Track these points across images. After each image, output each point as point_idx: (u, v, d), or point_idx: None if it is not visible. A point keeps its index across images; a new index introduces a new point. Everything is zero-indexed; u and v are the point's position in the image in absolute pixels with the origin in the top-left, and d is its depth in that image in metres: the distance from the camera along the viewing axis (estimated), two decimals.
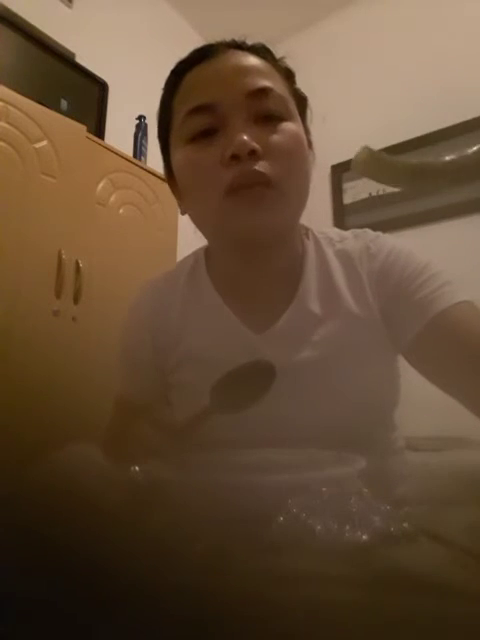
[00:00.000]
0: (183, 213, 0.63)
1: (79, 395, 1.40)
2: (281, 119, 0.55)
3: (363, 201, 2.37)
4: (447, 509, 0.34)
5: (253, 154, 0.52)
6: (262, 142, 0.53)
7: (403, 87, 2.32)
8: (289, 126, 0.56)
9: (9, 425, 1.25)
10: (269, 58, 0.59)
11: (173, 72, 0.60)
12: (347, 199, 2.42)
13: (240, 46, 0.59)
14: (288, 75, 0.62)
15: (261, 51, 0.59)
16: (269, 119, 0.55)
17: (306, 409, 0.58)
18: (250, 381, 0.51)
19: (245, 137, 0.51)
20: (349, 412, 0.58)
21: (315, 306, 0.61)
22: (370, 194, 2.35)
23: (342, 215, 2.41)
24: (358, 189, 2.39)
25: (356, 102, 2.46)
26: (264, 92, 0.55)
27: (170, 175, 0.63)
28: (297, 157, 0.56)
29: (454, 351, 0.55)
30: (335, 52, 2.60)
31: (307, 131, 0.62)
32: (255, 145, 0.52)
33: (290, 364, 0.58)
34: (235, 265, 0.63)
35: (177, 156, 0.58)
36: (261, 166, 0.52)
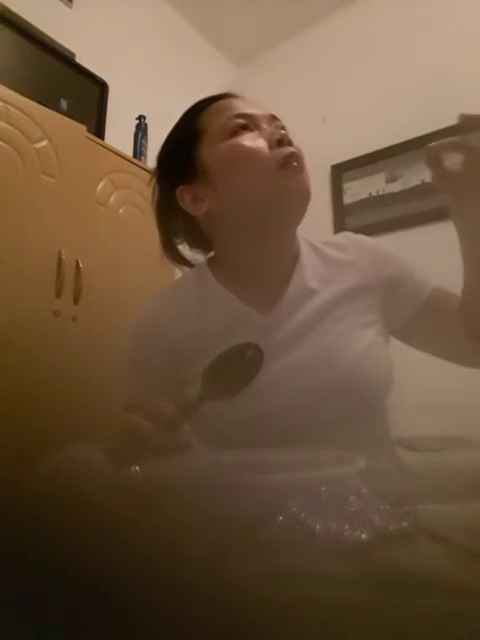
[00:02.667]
0: (202, 212, 0.72)
1: (79, 395, 1.41)
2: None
3: (363, 201, 2.37)
4: (446, 508, 0.34)
5: (291, 143, 0.68)
6: None
7: (403, 87, 2.32)
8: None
9: (9, 425, 1.25)
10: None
11: (195, 106, 0.75)
12: (347, 199, 2.42)
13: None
14: None
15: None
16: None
17: (310, 375, 0.66)
18: (239, 366, 0.53)
19: (284, 130, 0.69)
20: (348, 365, 0.66)
21: (312, 282, 0.72)
22: (370, 194, 2.35)
23: (342, 215, 2.41)
24: (358, 189, 2.39)
25: (356, 102, 2.46)
26: (275, 117, 0.72)
27: (187, 178, 0.72)
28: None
29: (442, 324, 0.72)
30: (335, 52, 2.60)
31: None
32: (291, 138, 0.69)
33: (294, 334, 0.69)
34: (252, 246, 0.71)
35: (221, 148, 0.69)
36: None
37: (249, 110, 0.70)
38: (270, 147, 0.67)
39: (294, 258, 0.74)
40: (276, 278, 0.72)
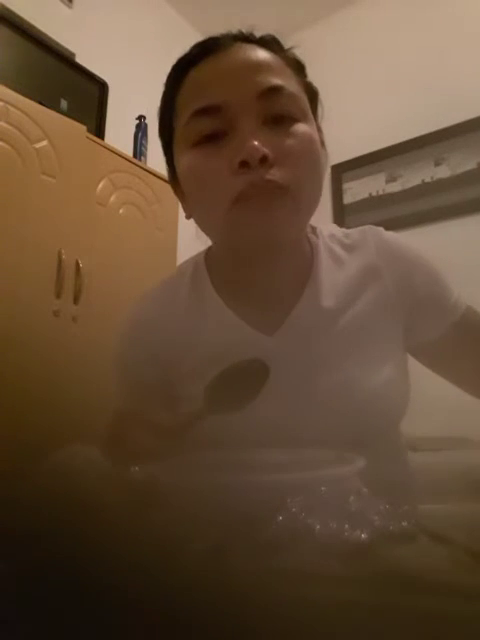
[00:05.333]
0: (188, 217, 0.61)
1: (79, 395, 1.41)
2: (293, 120, 0.52)
3: (363, 201, 2.37)
4: (446, 508, 0.34)
5: (264, 161, 0.48)
6: (274, 146, 0.50)
7: (403, 87, 2.32)
8: (302, 128, 0.52)
9: (9, 425, 1.25)
10: (278, 50, 0.55)
11: (175, 67, 0.57)
12: (347, 199, 2.42)
13: (248, 38, 0.55)
14: (299, 68, 0.57)
15: (270, 43, 0.55)
16: (281, 120, 0.52)
17: (319, 406, 0.58)
18: (244, 381, 0.50)
19: (255, 143, 0.48)
20: (363, 406, 0.58)
21: (327, 301, 0.60)
22: (370, 194, 2.35)
23: (342, 215, 2.41)
24: (358, 189, 2.39)
25: (356, 102, 2.46)
26: (276, 91, 0.51)
27: (173, 177, 0.61)
28: (311, 161, 0.53)
29: (470, 350, 0.62)
30: (335, 52, 2.60)
31: (319, 129, 0.59)
32: (266, 151, 0.48)
33: (305, 361, 0.59)
34: (241, 270, 0.61)
35: (182, 161, 0.55)
36: (272, 174, 0.49)
37: (225, 93, 0.51)
38: (232, 171, 0.50)
39: (306, 268, 0.61)
40: (281, 294, 0.61)
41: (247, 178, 0.49)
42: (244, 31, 0.56)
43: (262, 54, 0.53)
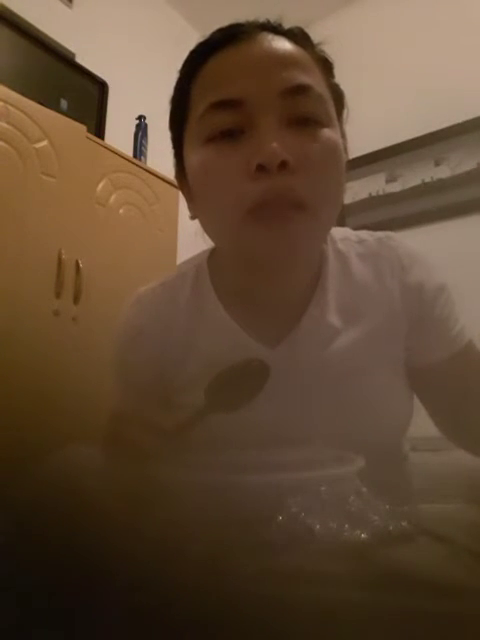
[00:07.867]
0: (193, 218, 0.57)
1: (79, 395, 1.40)
2: (319, 124, 0.48)
3: (363, 201, 2.36)
4: (446, 508, 0.34)
5: (284, 167, 0.44)
6: (295, 152, 0.45)
7: (403, 87, 2.32)
8: (327, 134, 0.49)
9: (9, 425, 1.25)
10: (307, 46, 0.52)
11: (193, 54, 0.52)
12: (347, 199, 2.42)
13: (275, 29, 0.52)
14: (326, 67, 0.55)
15: (299, 37, 0.52)
16: (305, 123, 0.48)
17: (319, 424, 0.56)
18: (244, 380, 0.50)
19: (275, 145, 0.44)
20: (363, 427, 0.56)
21: (334, 317, 0.57)
22: (370, 194, 2.35)
23: (342, 215, 2.40)
24: (358, 189, 2.39)
25: (356, 102, 2.46)
26: (303, 91, 0.47)
27: (181, 173, 0.57)
28: (334, 173, 0.50)
29: (460, 388, 0.59)
30: (334, 52, 2.59)
31: (343, 135, 0.55)
32: (287, 156, 0.44)
33: (306, 378, 0.57)
34: (248, 279, 0.58)
35: (192, 157, 0.51)
36: (292, 182, 0.45)
37: (246, 88, 0.46)
38: (248, 174, 0.45)
39: (314, 278, 0.58)
40: (286, 305, 0.58)
41: (264, 185, 0.45)
42: (271, 20, 0.52)
43: (290, 48, 0.49)
